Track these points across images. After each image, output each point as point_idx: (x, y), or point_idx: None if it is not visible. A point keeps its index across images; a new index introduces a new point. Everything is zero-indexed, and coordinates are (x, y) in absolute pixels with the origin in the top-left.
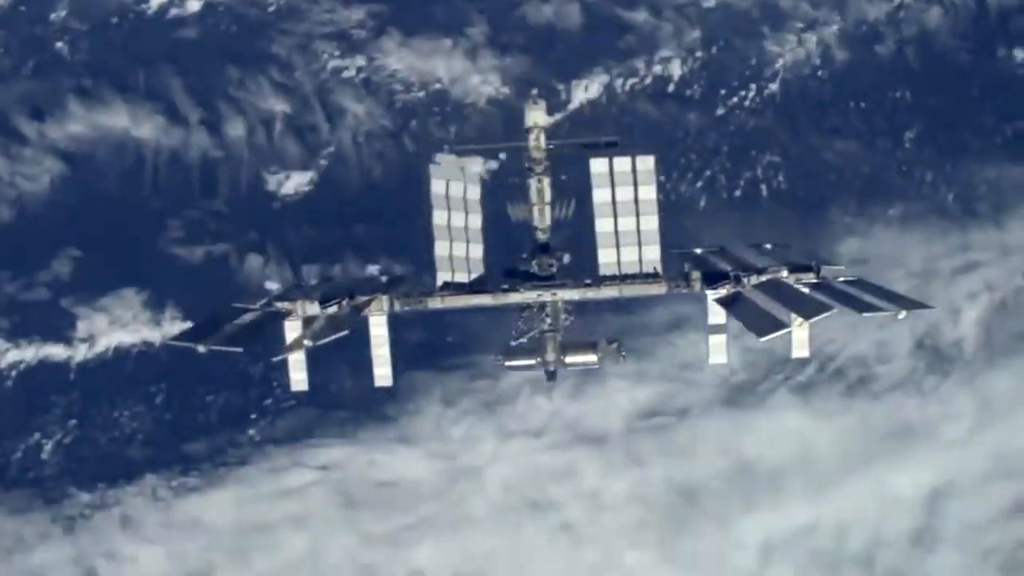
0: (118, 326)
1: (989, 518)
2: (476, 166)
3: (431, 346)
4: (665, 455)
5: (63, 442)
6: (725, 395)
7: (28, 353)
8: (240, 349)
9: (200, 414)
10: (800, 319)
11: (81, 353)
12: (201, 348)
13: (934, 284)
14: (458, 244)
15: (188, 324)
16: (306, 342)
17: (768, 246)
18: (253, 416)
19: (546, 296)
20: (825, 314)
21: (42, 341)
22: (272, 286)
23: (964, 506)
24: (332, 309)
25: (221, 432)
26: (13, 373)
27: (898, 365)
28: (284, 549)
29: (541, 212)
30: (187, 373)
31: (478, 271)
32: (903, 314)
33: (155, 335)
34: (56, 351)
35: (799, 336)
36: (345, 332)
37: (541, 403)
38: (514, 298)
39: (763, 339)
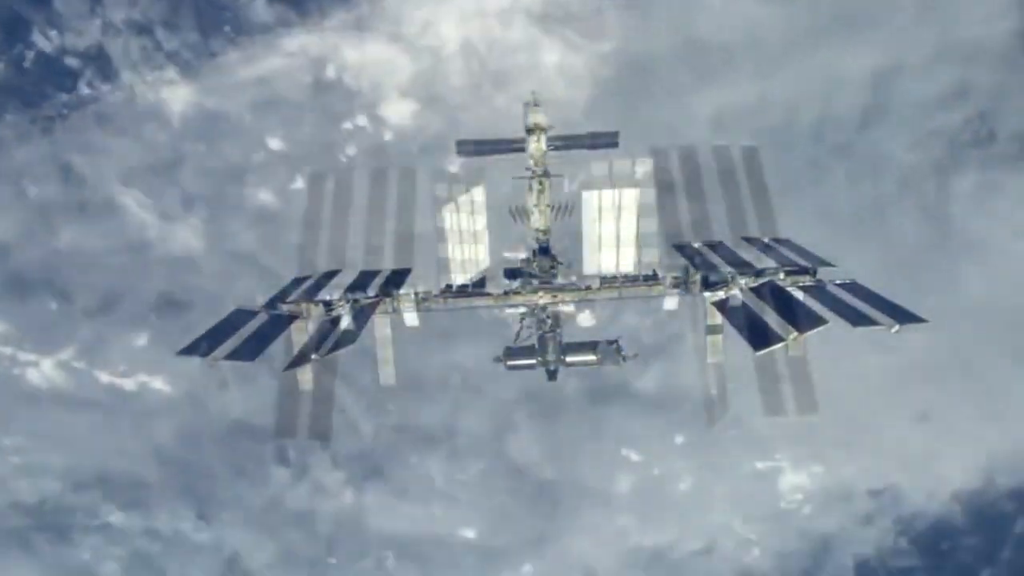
0: None
1: (935, 99)
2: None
3: None
4: (622, 28)
5: (43, 51)
6: None
7: None
8: (250, 361)
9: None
10: (795, 333)
11: None
12: (210, 363)
13: None
14: (462, 246)
15: None
16: (314, 356)
17: (766, 240)
18: (227, 14)
19: (547, 298)
20: (819, 328)
21: None
22: None
23: (910, 86)
24: (336, 311)
25: (196, 30)
26: None
27: None
28: (252, 137)
29: (542, 214)
30: None
31: (482, 272)
32: (896, 328)
33: None
34: None
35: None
36: (352, 344)
37: None
38: (516, 300)
39: (759, 353)
